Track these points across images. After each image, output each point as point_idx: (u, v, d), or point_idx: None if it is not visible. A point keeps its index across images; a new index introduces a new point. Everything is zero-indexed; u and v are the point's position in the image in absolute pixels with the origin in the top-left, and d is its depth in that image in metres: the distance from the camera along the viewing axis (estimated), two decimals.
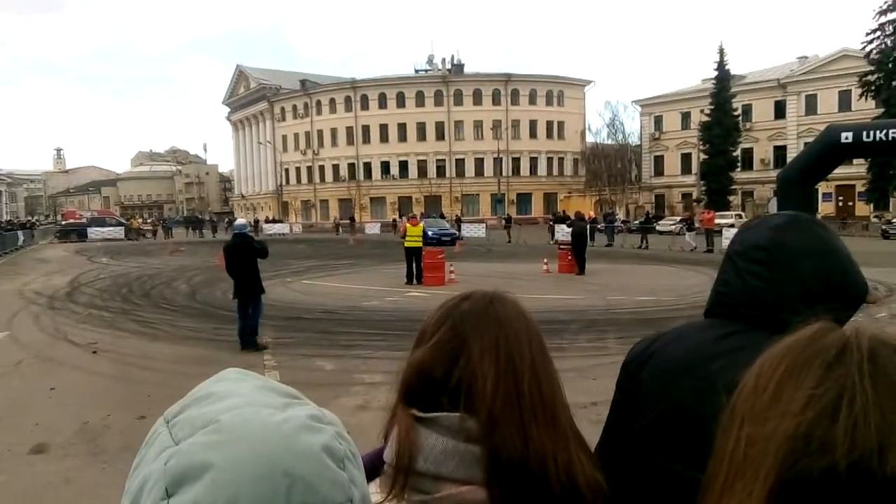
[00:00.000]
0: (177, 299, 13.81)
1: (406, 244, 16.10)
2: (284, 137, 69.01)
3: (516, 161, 61.38)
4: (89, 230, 44.67)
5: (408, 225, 16.50)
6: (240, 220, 10.05)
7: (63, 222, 54.45)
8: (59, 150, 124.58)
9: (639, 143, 58.63)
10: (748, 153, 50.68)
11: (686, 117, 53.63)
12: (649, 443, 1.05)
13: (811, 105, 48.78)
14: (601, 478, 0.85)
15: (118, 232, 45.98)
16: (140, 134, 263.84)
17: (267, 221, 55.63)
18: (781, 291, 1.06)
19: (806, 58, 51.40)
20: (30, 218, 79.39)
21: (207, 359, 8.07)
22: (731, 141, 46.71)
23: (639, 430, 1.06)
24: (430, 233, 31.05)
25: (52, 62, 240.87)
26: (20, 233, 39.26)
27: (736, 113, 47.59)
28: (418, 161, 61.48)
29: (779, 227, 1.11)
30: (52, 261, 26.28)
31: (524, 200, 61.08)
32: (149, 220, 62.66)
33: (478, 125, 60.97)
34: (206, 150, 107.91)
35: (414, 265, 15.87)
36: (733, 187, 47.15)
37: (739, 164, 48.24)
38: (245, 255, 8.77)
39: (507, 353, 0.84)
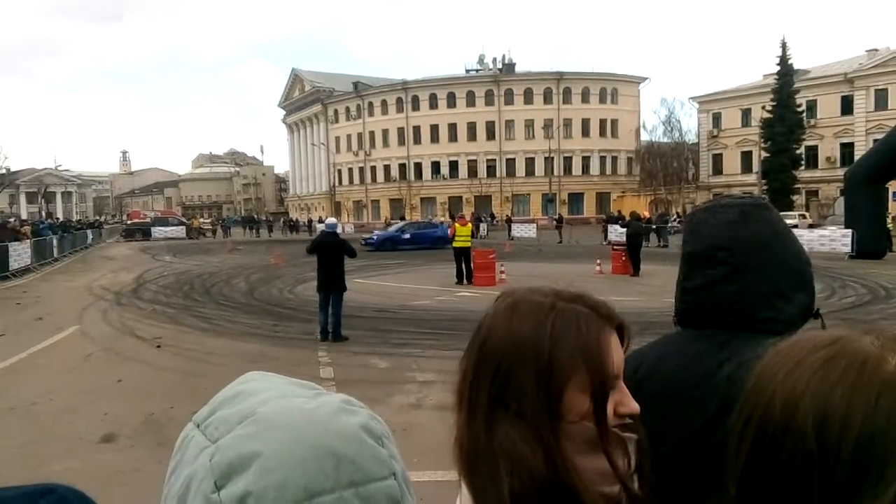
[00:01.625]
0: (235, 296, 14.21)
1: (455, 244, 16.12)
2: (337, 139, 70.23)
3: (568, 160, 60.69)
4: (153, 229, 46.63)
5: (456, 225, 16.49)
6: (331, 220, 10.61)
7: (128, 222, 56.87)
8: (124, 152, 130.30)
9: (696, 140, 57.04)
10: (813, 151, 48.65)
11: (746, 114, 51.85)
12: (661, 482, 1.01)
13: (881, 100, 46.44)
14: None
15: (180, 231, 47.81)
16: (200, 136, 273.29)
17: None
18: (754, 291, 1.03)
19: (876, 50, 48.92)
20: (98, 217, 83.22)
21: (265, 354, 8.28)
22: (794, 138, 44.92)
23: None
24: (405, 236, 30.20)
25: (118, 69, 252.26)
26: (89, 232, 41.28)
27: (800, 109, 45.72)
28: (469, 161, 61.53)
29: (735, 223, 1.07)
30: (118, 258, 27.48)
31: (576, 200, 60.34)
32: (208, 220, 64.79)
33: (529, 124, 60.58)
34: (262, 151, 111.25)
35: (463, 265, 15.90)
36: (797, 186, 45.32)
37: (803, 163, 46.37)
38: (334, 252, 9.30)
39: None
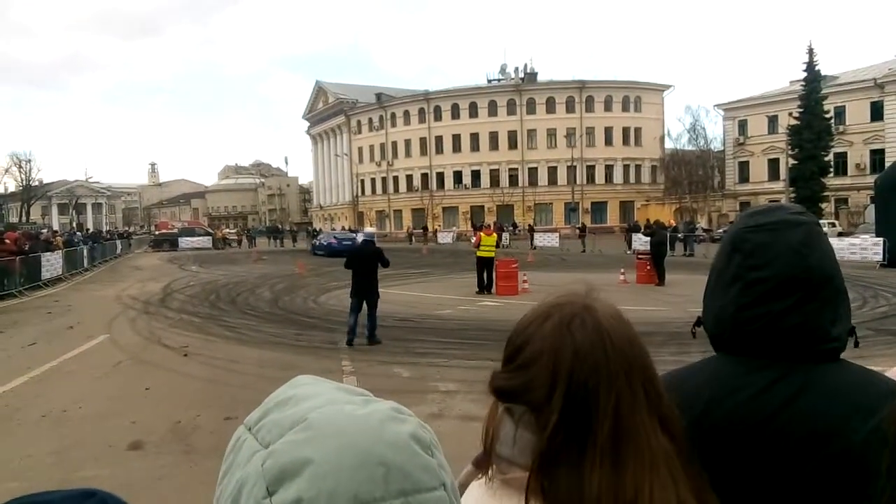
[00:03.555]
0: (260, 306, 14.36)
1: (479, 254, 16.02)
2: (360, 149, 70.81)
3: (591, 169, 60.35)
4: (180, 240, 47.40)
5: (482, 234, 16.45)
6: (369, 229, 10.95)
7: (156, 232, 57.95)
8: (153, 164, 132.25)
9: (722, 148, 56.35)
10: (842, 158, 47.73)
11: (773, 121, 51.12)
12: None
13: None
14: None
15: (206, 241, 48.52)
16: (227, 148, 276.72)
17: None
18: (818, 321, 0.99)
19: None
20: (127, 228, 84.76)
21: (290, 363, 8.33)
22: (822, 145, 44.10)
23: None
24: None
25: (149, 83, 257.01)
26: (118, 242, 42.17)
27: (828, 115, 44.92)
28: (491, 170, 61.55)
29: (803, 247, 1.01)
30: (146, 268, 27.96)
31: (599, 209, 59.91)
32: (234, 231, 65.63)
33: (551, 133, 60.43)
34: (287, 163, 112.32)
35: (485, 275, 15.83)
36: (825, 194, 44.46)
37: (832, 170, 45.50)
38: (370, 260, 9.73)
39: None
